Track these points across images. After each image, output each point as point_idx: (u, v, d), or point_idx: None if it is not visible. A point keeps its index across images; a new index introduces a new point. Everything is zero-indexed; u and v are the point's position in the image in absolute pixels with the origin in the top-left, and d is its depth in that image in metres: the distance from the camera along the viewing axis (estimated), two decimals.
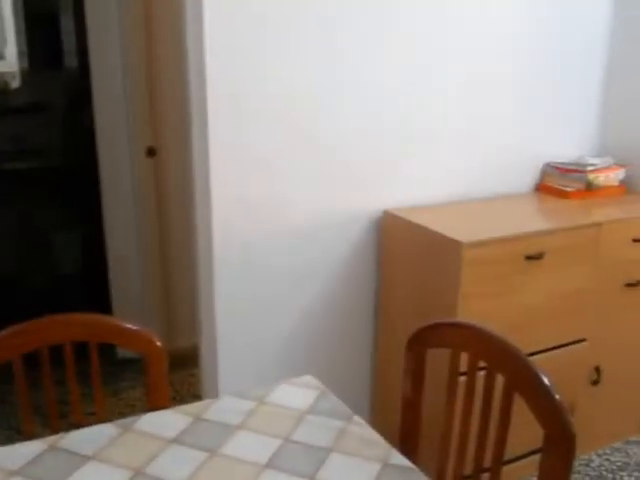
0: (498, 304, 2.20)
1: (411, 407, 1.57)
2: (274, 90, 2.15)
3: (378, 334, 2.58)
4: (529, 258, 2.20)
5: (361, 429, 1.42)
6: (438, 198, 2.56)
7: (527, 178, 2.75)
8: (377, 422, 2.66)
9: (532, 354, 2.36)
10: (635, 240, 2.48)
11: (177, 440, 1.34)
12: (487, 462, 1.42)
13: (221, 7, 1.99)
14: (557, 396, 1.30)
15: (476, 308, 2.14)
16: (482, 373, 1.41)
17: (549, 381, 1.32)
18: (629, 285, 2.54)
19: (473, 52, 2.49)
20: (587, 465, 2.67)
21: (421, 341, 1.50)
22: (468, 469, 1.45)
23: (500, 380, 1.38)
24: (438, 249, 2.15)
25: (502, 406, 1.36)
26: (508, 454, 2.31)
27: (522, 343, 2.27)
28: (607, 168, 2.67)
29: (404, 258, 2.35)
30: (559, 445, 1.27)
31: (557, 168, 2.68)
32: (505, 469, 2.37)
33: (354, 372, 2.61)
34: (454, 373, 1.46)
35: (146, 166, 3.08)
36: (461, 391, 1.46)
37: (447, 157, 2.54)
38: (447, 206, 2.52)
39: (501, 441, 1.38)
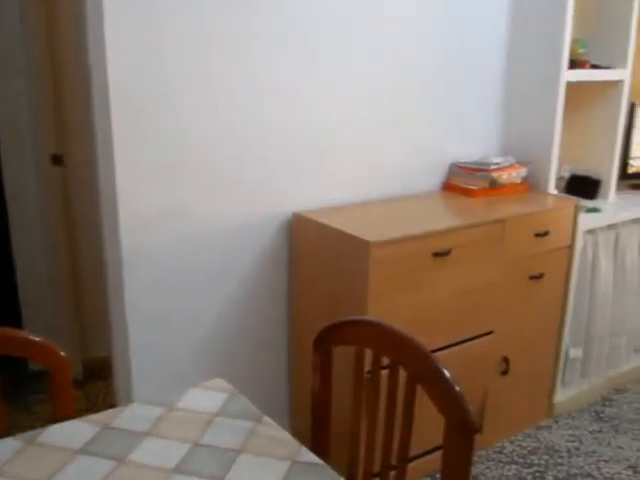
0: (408, 301, 2.25)
1: (321, 405, 1.59)
2: (177, 96, 2.13)
3: (292, 335, 2.60)
4: (437, 255, 2.27)
5: (270, 429, 1.43)
6: (347, 199, 2.60)
7: (434, 178, 2.84)
8: (296, 422, 2.68)
9: (443, 348, 2.44)
10: (537, 235, 2.60)
11: (83, 450, 1.32)
12: (395, 456, 1.46)
13: (121, 15, 1.97)
14: (457, 387, 1.34)
15: (387, 305, 2.19)
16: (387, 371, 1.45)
17: (449, 373, 1.36)
18: (533, 278, 2.65)
19: (380, 55, 2.55)
20: (500, 452, 2.77)
21: (326, 339, 1.52)
22: (378, 463, 1.49)
23: (404, 375, 1.42)
24: (347, 249, 2.19)
25: (406, 400, 1.40)
26: (416, 450, 2.40)
27: (432, 337, 2.37)
28: (509, 167, 2.78)
29: (315, 259, 2.37)
30: (460, 433, 1.32)
31: (462, 167, 2.78)
32: (413, 464, 2.46)
33: (271, 374, 2.62)
34: (359, 369, 1.49)
35: (52, 174, 2.99)
36: (369, 387, 1.49)
37: (356, 159, 2.59)
38: (356, 207, 2.56)
39: (406, 434, 1.42)
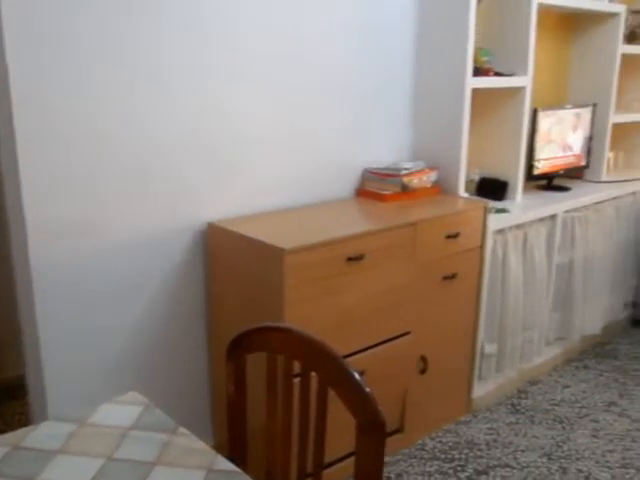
0: (325, 306, 2.29)
1: (236, 413, 1.61)
2: (85, 104, 2.09)
3: (212, 345, 2.60)
4: (351, 259, 2.32)
5: (186, 439, 1.44)
6: (262, 208, 2.63)
7: (348, 184, 2.90)
8: (218, 431, 2.68)
9: (362, 350, 2.49)
10: (449, 236, 2.69)
11: None
12: (311, 461, 1.49)
13: (25, 22, 1.93)
14: (367, 389, 1.38)
15: (303, 311, 2.23)
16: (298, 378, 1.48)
17: (359, 376, 1.39)
18: (446, 278, 2.74)
19: (293, 68, 2.59)
20: (422, 449, 2.84)
21: (238, 348, 1.54)
22: (295, 469, 1.52)
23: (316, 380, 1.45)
24: (262, 257, 2.21)
25: (318, 404, 1.43)
26: (333, 456, 2.44)
27: (351, 340, 2.42)
28: (420, 171, 2.87)
29: (231, 268, 2.39)
30: (370, 432, 1.36)
31: (375, 173, 2.85)
32: (332, 470, 2.49)
33: (192, 385, 2.61)
34: (271, 376, 1.51)
35: None
36: (282, 393, 1.52)
37: (270, 168, 2.62)
38: (271, 215, 2.58)
39: (320, 439, 1.45)
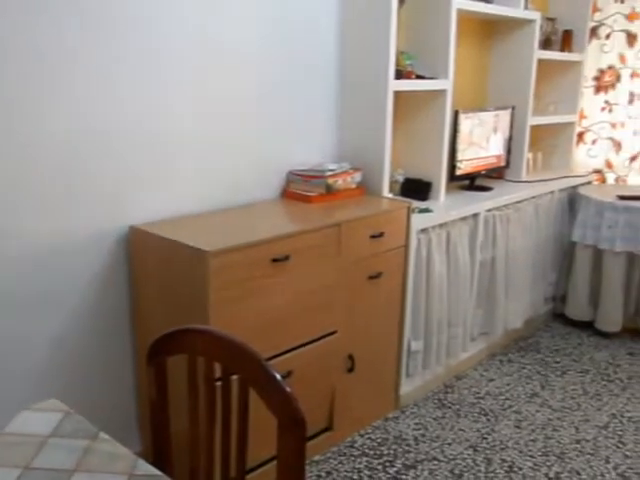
0: (251, 307, 2.30)
1: (159, 416, 1.60)
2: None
3: (138, 351, 2.57)
4: (275, 261, 2.34)
5: (107, 445, 1.43)
6: (187, 211, 2.61)
7: (274, 186, 2.92)
8: (145, 436, 2.65)
9: (289, 350, 2.51)
10: (373, 236, 2.74)
11: None
12: (235, 463, 1.50)
13: None
14: (287, 388, 1.39)
15: (229, 313, 2.23)
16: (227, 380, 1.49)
17: (279, 376, 1.41)
18: (371, 277, 2.80)
19: (220, 72, 2.59)
20: (351, 446, 2.89)
21: (158, 351, 1.54)
22: (218, 472, 1.52)
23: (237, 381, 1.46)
24: (185, 260, 2.20)
25: (240, 405, 1.44)
26: (255, 460, 2.44)
27: (278, 341, 2.44)
28: (344, 172, 2.91)
29: (155, 272, 2.37)
30: (291, 430, 1.38)
31: (299, 175, 2.88)
32: (256, 473, 2.49)
33: (118, 392, 2.57)
34: (192, 378, 1.52)
35: None
36: (203, 396, 1.52)
37: (195, 170, 2.61)
38: (196, 218, 2.57)
39: (243, 440, 1.46)
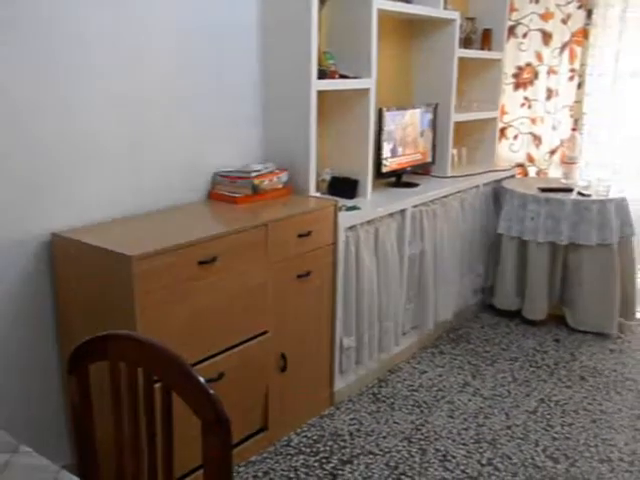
0: (178, 311, 2.29)
1: (83, 426, 1.58)
2: None
3: (63, 361, 2.49)
4: (202, 263, 2.33)
5: (28, 458, 1.40)
6: (111, 216, 2.57)
7: (200, 189, 2.91)
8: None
9: (219, 352, 2.51)
10: (300, 235, 2.76)
11: None
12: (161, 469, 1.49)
13: None
14: (210, 390, 1.39)
15: (156, 318, 2.21)
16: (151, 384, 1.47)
17: (202, 378, 1.40)
18: (300, 276, 2.81)
19: (138, 73, 2.56)
20: (287, 445, 2.90)
21: (80, 359, 1.52)
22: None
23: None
24: (110, 266, 2.17)
25: (163, 410, 1.43)
26: (184, 468, 2.41)
27: (208, 343, 2.43)
28: (270, 173, 2.92)
29: (79, 280, 2.32)
30: (216, 430, 1.38)
31: (225, 176, 2.88)
32: None
33: (45, 404, 2.51)
34: (115, 385, 1.50)
35: None
36: (127, 402, 1.50)
37: (118, 173, 2.57)
38: (120, 222, 2.54)
39: (168, 445, 1.45)
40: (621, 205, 4.08)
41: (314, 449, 2.88)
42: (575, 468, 2.79)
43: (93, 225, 2.48)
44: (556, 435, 3.03)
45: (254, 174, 2.83)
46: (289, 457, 2.82)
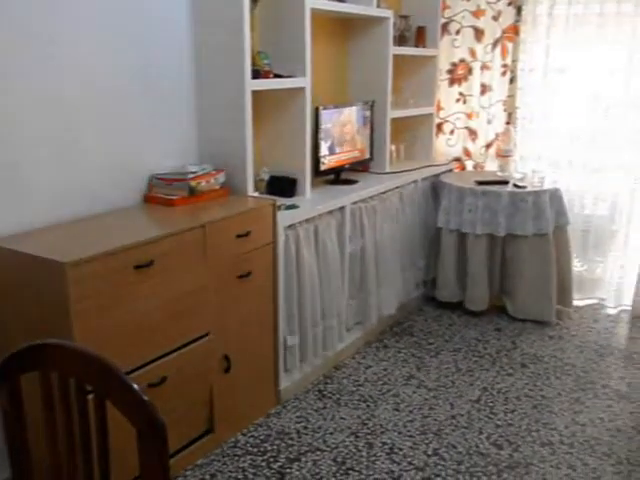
0: (116, 316, 2.26)
1: (16, 439, 1.54)
2: None
3: None
4: (139, 267, 2.30)
5: None
6: (43, 222, 2.51)
7: (135, 192, 2.87)
8: None
9: (161, 357, 2.48)
10: (239, 236, 2.75)
11: None
12: None
13: None
14: (145, 397, 1.37)
15: (93, 325, 2.17)
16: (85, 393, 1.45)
17: (136, 385, 1.38)
18: (241, 277, 2.81)
19: (68, 69, 2.50)
20: (234, 446, 2.89)
21: (10, 369, 1.48)
22: None
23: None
24: (43, 274, 2.13)
25: (97, 419, 1.41)
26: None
27: (148, 348, 2.41)
28: (207, 174, 2.91)
29: (11, 290, 2.26)
30: (151, 437, 1.36)
31: (161, 179, 2.85)
32: None
33: None
34: (46, 395, 1.46)
35: None
36: (60, 413, 1.47)
37: (50, 178, 2.51)
38: (53, 229, 2.48)
39: (104, 457, 1.43)
40: (555, 195, 4.20)
41: (261, 449, 2.88)
42: (518, 453, 2.87)
43: (25, 233, 2.42)
44: (499, 422, 3.10)
45: (191, 175, 2.81)
46: (236, 458, 2.81)
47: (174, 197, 2.79)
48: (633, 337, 4.10)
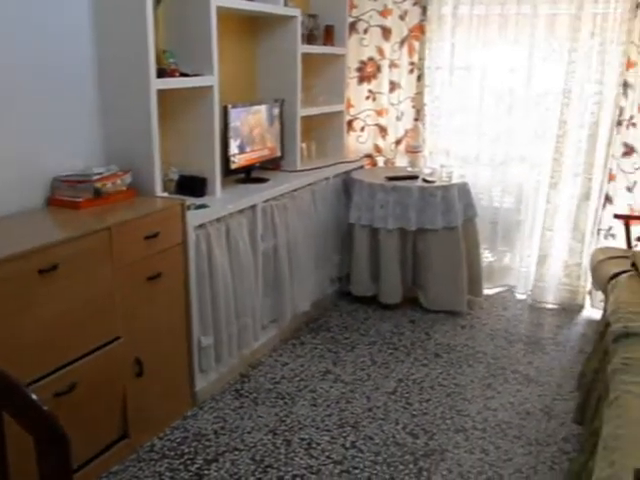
0: (20, 324, 2.18)
1: None
2: None
3: None
4: (42, 272, 2.23)
5: None
6: None
7: (37, 195, 2.77)
8: None
9: (69, 363, 2.42)
10: (147, 237, 2.71)
11: None
12: None
13: None
14: (45, 407, 1.34)
15: None
16: None
17: (34, 395, 1.35)
18: (150, 278, 2.76)
19: None
20: (151, 451, 2.84)
21: None
22: None
23: None
24: None
25: None
26: None
27: (55, 355, 2.34)
28: (113, 175, 2.85)
29: None
30: (52, 448, 1.33)
31: (65, 181, 2.77)
32: None
33: None
34: None
35: None
36: None
37: None
38: None
39: (2, 474, 1.39)
40: (464, 189, 4.33)
41: (178, 451, 2.85)
42: (433, 441, 2.95)
43: None
44: (415, 412, 3.18)
45: (96, 177, 2.75)
46: (153, 462, 2.77)
47: (79, 199, 2.71)
48: (539, 323, 4.28)
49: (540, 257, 4.56)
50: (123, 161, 3.01)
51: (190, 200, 3.10)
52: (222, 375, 3.36)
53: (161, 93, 3.00)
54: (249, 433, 2.99)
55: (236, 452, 2.85)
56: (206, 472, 2.71)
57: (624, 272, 3.40)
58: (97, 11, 2.93)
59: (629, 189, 4.31)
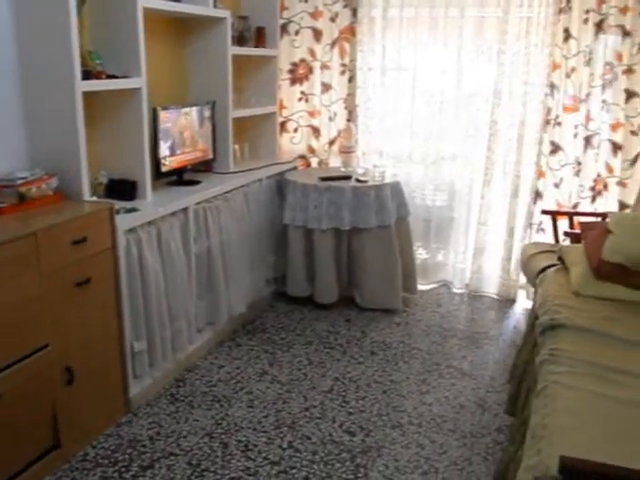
0: None
1: None
2: None
3: None
4: None
5: None
6: None
7: None
8: None
9: None
10: (75, 242, 2.65)
11: None
12: None
13: None
14: None
15: None
16: None
17: None
18: (79, 284, 2.71)
19: None
20: (84, 460, 2.79)
21: None
22: None
23: None
24: None
25: None
26: None
27: None
28: (38, 179, 2.78)
29: None
30: None
31: None
32: None
33: None
34: None
35: None
36: None
37: None
38: None
39: None
40: (396, 188, 4.40)
41: (112, 459, 2.80)
42: (370, 438, 2.98)
43: None
44: (351, 410, 3.21)
45: (20, 181, 2.68)
46: (86, 472, 2.72)
47: (3, 205, 2.63)
48: (473, 318, 4.38)
49: (477, 250, 4.70)
50: (49, 165, 2.93)
51: (120, 204, 3.06)
52: (157, 380, 3.32)
53: (88, 95, 2.95)
54: (185, 437, 2.97)
55: (172, 457, 2.82)
56: (141, 479, 2.67)
57: (552, 266, 3.52)
58: (18, 10, 2.85)
59: (556, 185, 4.47)
